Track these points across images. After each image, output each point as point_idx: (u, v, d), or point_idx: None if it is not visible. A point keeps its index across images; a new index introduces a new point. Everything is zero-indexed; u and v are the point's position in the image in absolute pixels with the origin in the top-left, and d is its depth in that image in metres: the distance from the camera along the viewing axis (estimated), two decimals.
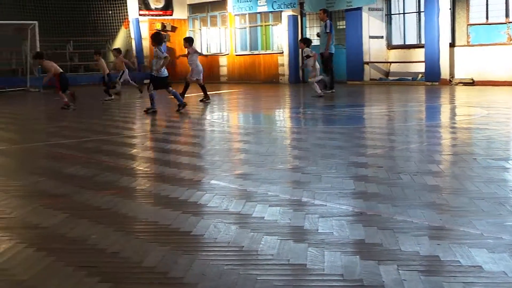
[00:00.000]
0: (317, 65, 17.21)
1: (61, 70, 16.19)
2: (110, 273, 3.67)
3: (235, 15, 27.53)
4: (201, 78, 17.26)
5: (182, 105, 14.08)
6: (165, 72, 13.82)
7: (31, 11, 26.84)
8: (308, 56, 17.17)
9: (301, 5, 24.75)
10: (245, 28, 27.47)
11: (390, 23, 23.08)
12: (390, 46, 23.06)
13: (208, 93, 17.12)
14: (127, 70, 19.91)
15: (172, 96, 14.29)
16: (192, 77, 17.30)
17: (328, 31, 18.43)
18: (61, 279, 3.61)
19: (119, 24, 29.81)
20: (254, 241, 4.16)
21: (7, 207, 5.43)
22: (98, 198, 5.64)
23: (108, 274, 3.65)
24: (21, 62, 27.08)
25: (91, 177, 6.73)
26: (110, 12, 29.58)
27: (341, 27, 23.98)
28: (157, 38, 13.93)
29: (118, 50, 21.06)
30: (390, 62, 23.00)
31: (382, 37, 23.02)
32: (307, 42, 17.62)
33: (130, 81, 20.10)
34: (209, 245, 4.17)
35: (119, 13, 29.58)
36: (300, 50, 19.79)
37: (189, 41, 17.77)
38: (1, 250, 4.15)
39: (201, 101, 16.71)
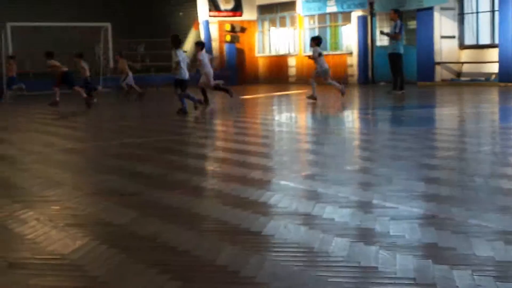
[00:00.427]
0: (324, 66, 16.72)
1: (66, 69, 16.57)
2: (182, 271, 3.70)
3: (304, 15, 27.49)
4: (211, 81, 16.40)
5: (183, 110, 13.95)
6: (184, 75, 13.93)
7: (104, 13, 27.40)
8: (320, 54, 16.77)
9: (371, 5, 24.52)
10: (314, 28, 27.38)
11: (463, 23, 22.61)
12: (462, 46, 22.60)
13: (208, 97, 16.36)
14: (131, 73, 19.97)
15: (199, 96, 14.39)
16: (210, 82, 16.36)
17: (397, 31, 18.22)
18: (133, 276, 3.67)
19: (189, 25, 30.14)
20: (324, 243, 4.14)
21: (80, 204, 5.55)
22: (169, 197, 5.71)
23: (179, 272, 3.69)
24: (94, 63, 27.66)
25: (162, 176, 6.82)
26: (181, 13, 29.94)
27: (411, 27, 23.63)
28: (174, 41, 14.17)
29: (120, 54, 21.05)
30: (462, 63, 22.54)
31: (454, 37, 22.58)
32: (317, 40, 17.18)
33: (133, 84, 20.03)
34: (280, 245, 4.16)
35: (189, 15, 29.91)
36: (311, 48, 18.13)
37: (200, 45, 16.99)
38: (75, 247, 4.25)
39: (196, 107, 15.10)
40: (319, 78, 16.92)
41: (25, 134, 11.57)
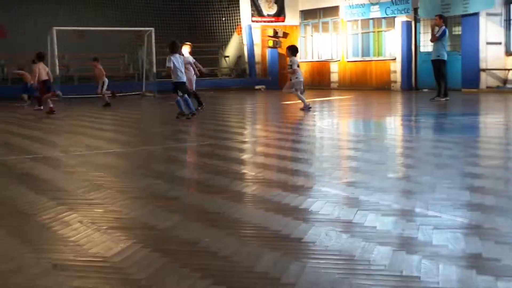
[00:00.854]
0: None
1: (46, 78, 16.80)
2: (223, 276, 3.71)
3: (347, 21, 27.39)
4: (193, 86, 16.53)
5: (182, 113, 14.21)
6: (180, 78, 14.38)
7: (148, 17, 27.68)
8: (298, 65, 16.20)
9: (415, 10, 24.32)
10: (357, 34, 27.27)
11: (509, 29, 22.25)
12: (509, 53, 22.25)
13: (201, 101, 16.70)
14: (106, 79, 20.05)
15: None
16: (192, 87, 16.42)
17: (437, 35, 18.08)
18: (175, 280, 3.69)
19: (232, 30, 30.29)
20: (366, 251, 4.11)
21: (124, 208, 5.61)
22: (211, 202, 5.74)
23: (221, 277, 3.70)
24: (137, 67, 28.00)
25: (205, 180, 6.86)
26: (224, 18, 30.10)
27: (456, 33, 23.37)
28: (170, 46, 14.60)
29: (95, 59, 20.87)
30: (509, 70, 22.18)
31: (500, 43, 22.24)
32: (295, 50, 16.55)
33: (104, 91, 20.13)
34: (321, 252, 4.15)
35: (232, 20, 30.06)
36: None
37: (170, 48, 16.07)
38: (119, 250, 4.29)
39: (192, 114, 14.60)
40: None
41: (70, 137, 11.74)
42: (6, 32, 28.20)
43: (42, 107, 17.45)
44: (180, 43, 15.49)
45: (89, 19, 27.76)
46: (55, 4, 28.05)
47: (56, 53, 23.11)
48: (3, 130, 13.40)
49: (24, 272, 3.88)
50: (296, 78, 15.96)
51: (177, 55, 14.69)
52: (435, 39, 18.23)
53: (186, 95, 14.43)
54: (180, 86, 14.41)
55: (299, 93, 16.00)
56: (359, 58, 27.17)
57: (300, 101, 15.92)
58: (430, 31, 19.62)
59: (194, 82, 16.51)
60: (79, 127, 13.69)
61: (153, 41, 25.02)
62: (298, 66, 16.17)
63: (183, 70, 14.52)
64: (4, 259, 4.14)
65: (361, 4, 26.36)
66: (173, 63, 14.31)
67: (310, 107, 15.91)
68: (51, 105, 16.70)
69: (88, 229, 4.85)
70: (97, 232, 4.75)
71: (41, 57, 16.82)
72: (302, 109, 15.77)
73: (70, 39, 26.13)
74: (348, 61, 27.67)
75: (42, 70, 16.85)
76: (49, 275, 3.81)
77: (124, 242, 4.46)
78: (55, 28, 23.45)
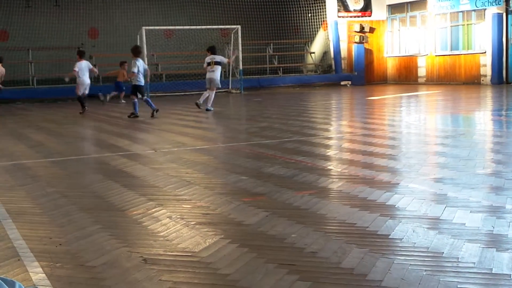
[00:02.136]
0: (214, 76, 16.93)
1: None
2: (309, 272, 3.74)
3: (436, 14, 26.84)
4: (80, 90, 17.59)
5: (134, 114, 15.38)
6: (140, 81, 15.41)
7: (234, 15, 27.94)
8: (218, 63, 17.13)
9: (507, 2, 23.58)
10: (446, 27, 26.68)
11: None
12: None
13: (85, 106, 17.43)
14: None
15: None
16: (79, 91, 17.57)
17: None
18: (263, 275, 3.74)
19: (318, 26, 30.19)
20: (454, 248, 4.05)
21: (212, 204, 5.71)
22: (297, 198, 5.77)
23: (307, 273, 3.73)
24: (224, 65, 28.27)
25: (290, 177, 6.89)
26: (310, 14, 30.04)
27: None
28: (133, 51, 15.67)
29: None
30: None
31: None
32: (212, 49, 17.58)
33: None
34: (408, 249, 4.11)
35: (318, 16, 29.96)
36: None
37: (79, 53, 18.10)
38: (207, 245, 4.38)
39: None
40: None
41: (158, 134, 12.01)
42: (98, 33, 29.09)
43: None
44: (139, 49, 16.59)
45: (175, 19, 28.28)
46: (144, 4, 28.71)
47: (145, 52, 23.63)
48: (96, 128, 13.84)
49: (117, 265, 4.02)
50: (209, 75, 17.15)
51: (140, 60, 15.69)
52: None
53: (146, 97, 15.81)
54: (139, 89, 15.50)
55: (213, 90, 17.18)
56: (448, 52, 26.58)
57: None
58: None
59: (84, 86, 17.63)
60: (166, 124, 13.97)
61: (240, 38, 25.22)
62: (209, 64, 17.21)
63: (141, 75, 15.46)
64: (99, 252, 4.29)
65: None
66: (138, 67, 15.29)
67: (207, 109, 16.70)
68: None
69: (177, 224, 4.96)
70: (186, 227, 4.86)
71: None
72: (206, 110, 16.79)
73: (159, 38, 26.70)
74: (436, 55, 27.12)
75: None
76: (140, 269, 3.93)
77: (212, 238, 4.54)
78: (144, 27, 24.01)
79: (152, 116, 15.34)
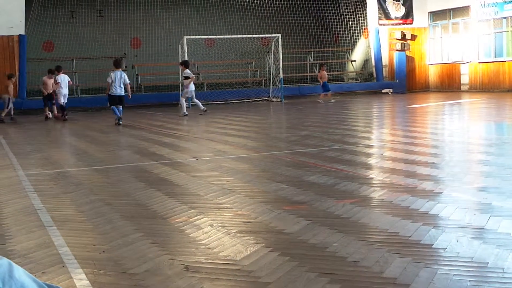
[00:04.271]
0: (192, 87, 19.22)
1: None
2: (351, 282, 3.71)
3: (479, 21, 26.51)
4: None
5: (118, 118, 16.74)
6: (114, 92, 16.83)
7: (274, 24, 28.01)
8: (187, 78, 19.16)
9: None
10: (490, 34, 26.33)
11: None
12: None
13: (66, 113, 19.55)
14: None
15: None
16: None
17: None
18: (303, 284, 3.72)
19: (359, 34, 30.07)
20: (499, 258, 3.98)
21: (253, 212, 5.71)
22: (339, 207, 5.74)
23: (349, 282, 3.70)
24: (264, 73, 28.38)
25: (332, 185, 6.86)
26: (350, 23, 29.94)
27: None
28: (114, 63, 17.18)
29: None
30: None
31: None
32: (185, 64, 19.81)
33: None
34: (451, 259, 4.06)
35: (359, 24, 29.85)
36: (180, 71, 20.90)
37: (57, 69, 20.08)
38: (248, 253, 4.38)
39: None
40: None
41: (199, 142, 12.07)
42: (140, 43, 29.43)
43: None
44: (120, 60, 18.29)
45: (216, 28, 28.48)
46: (186, 14, 28.96)
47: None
48: (138, 136, 13.97)
49: (159, 273, 4.04)
50: (187, 88, 19.28)
51: (118, 72, 16.95)
52: None
53: (113, 106, 16.90)
54: (112, 98, 16.90)
55: (190, 99, 19.76)
56: (491, 59, 26.21)
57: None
58: None
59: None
60: (207, 132, 14.04)
61: (280, 47, 25.25)
62: (187, 78, 19.33)
63: (118, 85, 16.84)
64: (142, 260, 4.33)
65: (494, 3, 25.45)
66: (112, 78, 16.76)
67: (187, 114, 18.89)
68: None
69: (218, 232, 4.98)
70: (227, 235, 4.87)
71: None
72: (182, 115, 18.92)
73: (200, 47, 26.91)
74: (479, 62, 26.77)
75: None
76: (182, 277, 3.94)
77: (253, 246, 4.54)
78: (186, 37, 24.21)
79: (116, 124, 16.55)
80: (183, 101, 19.62)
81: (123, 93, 16.95)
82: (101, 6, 28.56)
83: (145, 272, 4.07)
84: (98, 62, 26.98)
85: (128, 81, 17.21)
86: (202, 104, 19.53)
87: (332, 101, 23.87)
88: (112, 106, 16.92)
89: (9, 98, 19.70)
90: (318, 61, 30.28)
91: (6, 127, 17.58)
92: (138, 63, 27.64)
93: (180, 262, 4.24)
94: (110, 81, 16.73)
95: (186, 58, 22.89)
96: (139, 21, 28.60)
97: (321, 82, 24.51)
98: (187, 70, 19.55)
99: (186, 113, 18.98)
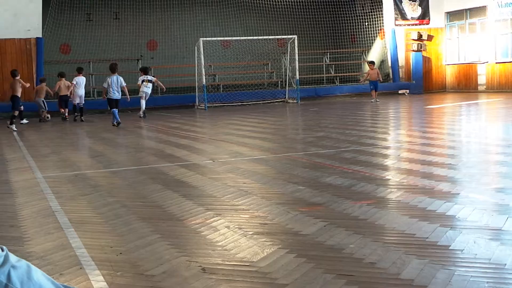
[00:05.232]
0: (148, 91, 20.42)
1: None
2: (368, 283, 3.71)
3: (496, 20, 26.35)
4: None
5: (117, 122, 17.20)
6: (112, 95, 17.54)
7: (290, 25, 28.00)
8: (149, 81, 20.36)
9: None
10: (507, 34, 26.16)
11: None
12: None
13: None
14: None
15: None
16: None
17: None
18: (320, 285, 3.72)
19: (375, 35, 30.00)
20: None
21: (269, 214, 5.72)
22: (355, 208, 5.73)
23: (365, 283, 3.70)
24: (280, 75, 28.38)
25: (348, 186, 6.85)
26: (366, 23, 29.87)
27: None
28: (110, 67, 17.86)
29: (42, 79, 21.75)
30: None
31: None
32: (145, 70, 20.96)
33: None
34: (469, 261, 4.04)
35: (375, 24, 29.78)
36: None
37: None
38: (264, 255, 4.38)
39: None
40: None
41: (215, 144, 12.09)
42: (156, 45, 29.55)
43: None
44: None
45: (232, 29, 28.53)
46: (202, 16, 29.04)
47: (203, 62, 23.88)
48: (154, 138, 14.02)
49: (176, 274, 4.06)
50: (142, 90, 20.36)
51: (114, 76, 17.60)
52: None
53: (114, 110, 17.43)
54: (110, 101, 17.61)
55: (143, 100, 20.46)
56: (509, 59, 26.05)
57: None
58: None
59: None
60: (224, 134, 14.06)
61: (296, 48, 25.24)
62: (143, 82, 20.41)
63: (115, 89, 17.51)
64: (159, 261, 4.34)
65: (511, 3, 25.29)
66: (108, 82, 17.45)
67: (144, 116, 20.06)
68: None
69: (235, 234, 4.99)
70: (244, 237, 4.88)
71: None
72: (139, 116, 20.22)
73: (216, 49, 26.96)
74: (496, 63, 26.61)
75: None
76: (199, 278, 3.96)
77: (269, 247, 4.55)
78: (202, 38, 24.27)
79: (113, 125, 17.16)
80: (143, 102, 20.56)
81: (120, 96, 17.66)
82: (117, 8, 28.72)
83: (162, 273, 4.09)
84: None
85: (124, 84, 17.77)
86: (144, 110, 20.38)
87: (377, 101, 23.58)
88: (113, 109, 17.46)
89: (43, 101, 20.74)
90: (334, 62, 30.24)
91: (24, 129, 17.71)
92: (154, 65, 27.74)
93: (197, 263, 4.26)
94: (107, 86, 17.51)
95: (202, 60, 23.04)
96: (155, 23, 28.73)
97: (369, 81, 24.49)
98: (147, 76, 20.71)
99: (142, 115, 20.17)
